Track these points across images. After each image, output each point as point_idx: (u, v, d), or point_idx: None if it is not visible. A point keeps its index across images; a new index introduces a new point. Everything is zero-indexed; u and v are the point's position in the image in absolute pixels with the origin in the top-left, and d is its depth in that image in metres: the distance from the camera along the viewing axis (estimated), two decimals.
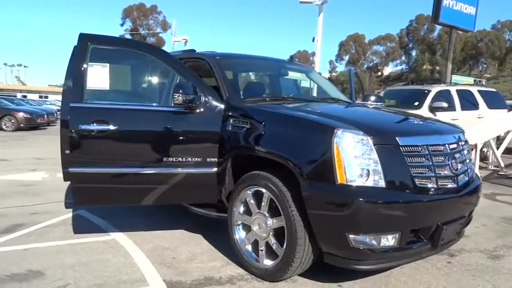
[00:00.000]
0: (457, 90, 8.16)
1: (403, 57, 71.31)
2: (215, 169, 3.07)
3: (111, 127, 2.90)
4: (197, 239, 3.45)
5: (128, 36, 65.25)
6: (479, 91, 8.53)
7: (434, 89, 7.89)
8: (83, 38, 2.96)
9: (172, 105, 3.02)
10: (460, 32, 16.62)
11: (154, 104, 3.24)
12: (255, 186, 2.71)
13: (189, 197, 3.21)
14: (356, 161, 2.25)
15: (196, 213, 3.28)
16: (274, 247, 2.59)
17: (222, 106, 3.07)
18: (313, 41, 16.79)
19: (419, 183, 2.35)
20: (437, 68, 62.29)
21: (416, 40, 66.22)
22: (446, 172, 2.50)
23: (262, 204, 2.67)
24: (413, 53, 68.45)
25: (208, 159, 3.07)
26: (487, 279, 2.75)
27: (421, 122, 2.93)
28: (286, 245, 2.48)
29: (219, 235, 3.50)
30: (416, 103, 7.69)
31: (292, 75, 3.88)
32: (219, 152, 3.04)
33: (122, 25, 67.12)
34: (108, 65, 2.97)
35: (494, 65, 58.60)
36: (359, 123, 2.43)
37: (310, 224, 2.38)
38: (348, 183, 2.24)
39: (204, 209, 3.23)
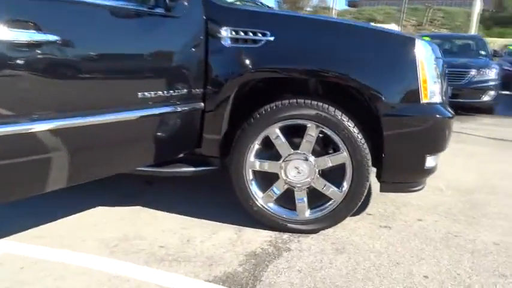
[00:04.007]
0: None
1: None
2: (202, 104, 2.10)
3: (46, 37, 1.42)
4: (150, 217, 2.35)
5: None
6: None
7: None
8: None
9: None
10: None
11: None
12: (291, 119, 2.03)
13: (161, 152, 2.09)
14: (433, 76, 2.03)
15: (158, 175, 2.21)
16: (328, 191, 2.09)
17: (203, 11, 2.04)
18: None
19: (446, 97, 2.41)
20: None
21: None
22: None
23: (304, 141, 2.06)
24: None
25: (193, 91, 2.06)
26: None
27: None
28: (352, 183, 2.05)
29: (164, 201, 2.54)
30: None
31: None
32: (206, 79, 2.08)
33: None
34: None
35: None
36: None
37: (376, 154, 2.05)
38: (430, 101, 2.01)
39: (168, 168, 2.20)
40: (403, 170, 2.13)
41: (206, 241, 2.06)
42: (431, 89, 2.01)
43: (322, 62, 2.00)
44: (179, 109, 2.02)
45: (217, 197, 2.61)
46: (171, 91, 1.97)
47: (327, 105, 2.00)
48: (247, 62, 2.03)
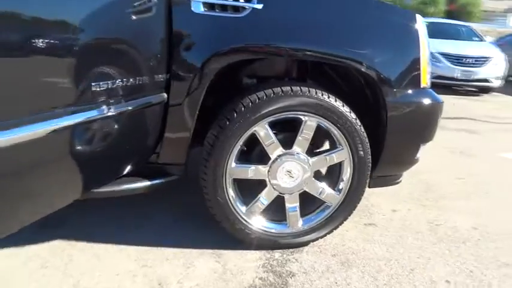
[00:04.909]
0: None
1: None
2: (165, 95, 1.51)
3: None
4: (88, 256, 1.66)
5: None
6: None
7: None
8: None
9: None
10: None
11: None
12: (285, 112, 1.59)
13: (100, 175, 1.45)
14: (429, 57, 1.82)
15: (96, 197, 1.56)
16: (324, 195, 1.74)
17: None
18: None
19: None
20: None
21: None
22: None
23: (299, 138, 1.66)
24: None
25: (156, 78, 1.45)
26: None
27: None
28: (352, 183, 1.75)
29: (98, 227, 1.89)
30: None
31: None
32: (170, 60, 1.49)
33: None
34: None
35: None
36: None
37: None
38: (426, 86, 1.81)
39: (111, 186, 1.56)
40: (397, 163, 1.92)
41: (185, 281, 1.52)
42: (428, 71, 1.81)
43: (328, 42, 1.59)
44: (124, 109, 1.37)
45: (170, 212, 2.03)
46: (138, 79, 1.34)
47: (327, 94, 1.63)
48: (229, 37, 1.51)
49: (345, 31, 1.62)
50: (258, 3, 1.50)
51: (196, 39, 1.49)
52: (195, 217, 1.93)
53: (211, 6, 1.49)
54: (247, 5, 1.50)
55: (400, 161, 1.91)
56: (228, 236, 1.74)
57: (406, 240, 1.94)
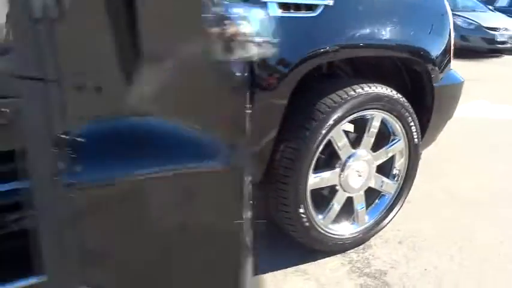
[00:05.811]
0: None
1: None
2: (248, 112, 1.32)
3: None
4: None
5: None
6: None
7: None
8: None
9: None
10: None
11: None
12: (359, 112, 1.53)
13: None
14: None
15: None
16: (384, 186, 1.75)
17: None
18: None
19: None
20: None
21: None
22: None
23: (366, 136, 1.61)
24: None
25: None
26: None
27: None
28: (407, 171, 1.79)
29: None
30: None
31: None
32: (250, 72, 1.30)
33: None
34: None
35: None
36: None
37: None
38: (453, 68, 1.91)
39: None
40: (429, 142, 2.01)
41: None
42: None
43: (397, 35, 1.54)
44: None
45: None
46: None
47: (389, 88, 1.60)
48: (309, 40, 1.37)
49: (406, 21, 1.60)
50: None
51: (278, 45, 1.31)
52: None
53: (286, 8, 1.32)
54: (318, 2, 1.37)
55: (432, 139, 2.01)
56: (300, 249, 1.65)
57: (442, 213, 2.07)
